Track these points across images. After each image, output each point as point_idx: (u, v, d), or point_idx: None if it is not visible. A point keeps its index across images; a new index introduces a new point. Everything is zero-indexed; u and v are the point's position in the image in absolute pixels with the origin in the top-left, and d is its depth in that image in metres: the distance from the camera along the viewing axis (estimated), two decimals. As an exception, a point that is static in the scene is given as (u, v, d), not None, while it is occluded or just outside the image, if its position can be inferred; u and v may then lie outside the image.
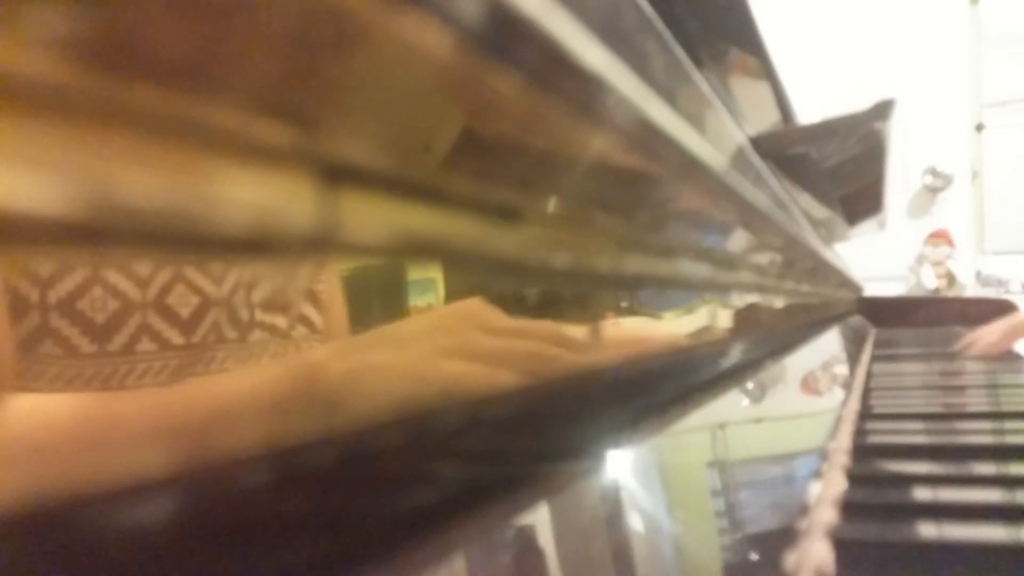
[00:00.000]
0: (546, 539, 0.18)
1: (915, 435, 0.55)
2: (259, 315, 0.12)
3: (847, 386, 0.74)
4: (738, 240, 0.46)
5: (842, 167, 0.92)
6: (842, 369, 0.91)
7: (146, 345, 0.10)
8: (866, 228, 1.49)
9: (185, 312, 0.10)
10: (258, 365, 0.12)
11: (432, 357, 0.15)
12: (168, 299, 0.10)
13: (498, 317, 0.18)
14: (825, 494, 0.36)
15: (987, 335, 1.15)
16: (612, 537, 0.22)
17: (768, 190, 0.50)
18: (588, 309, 0.24)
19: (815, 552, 0.29)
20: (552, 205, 0.20)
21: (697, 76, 0.34)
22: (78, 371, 0.09)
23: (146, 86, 0.09)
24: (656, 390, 0.32)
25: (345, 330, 0.14)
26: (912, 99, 2.90)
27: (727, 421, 0.39)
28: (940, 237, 3.13)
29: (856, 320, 1.63)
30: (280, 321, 0.12)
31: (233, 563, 0.11)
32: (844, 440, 0.47)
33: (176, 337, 0.10)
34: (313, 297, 0.13)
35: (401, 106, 0.13)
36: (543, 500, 0.19)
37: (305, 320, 0.12)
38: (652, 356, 0.31)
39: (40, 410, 0.09)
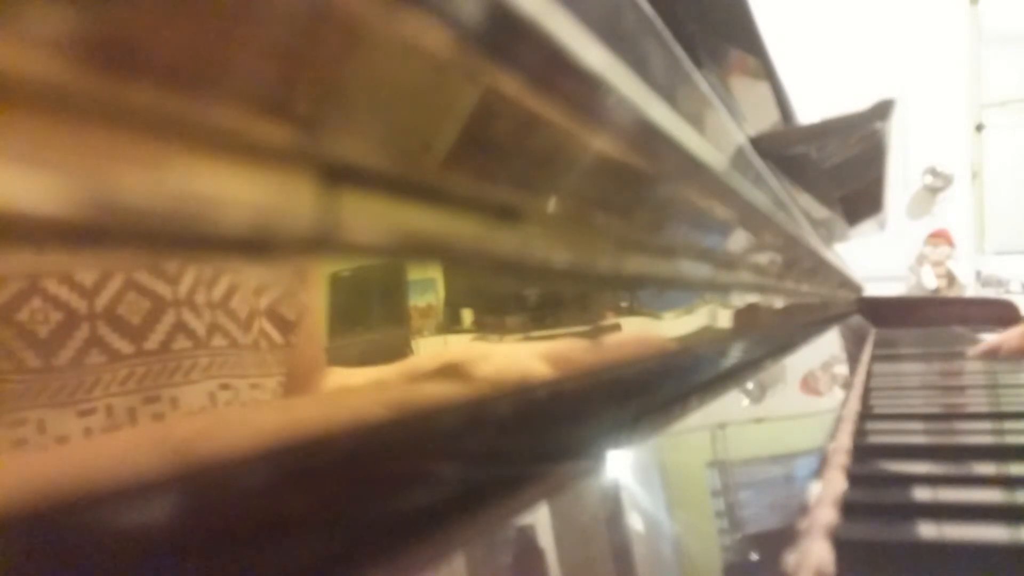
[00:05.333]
0: (546, 539, 0.18)
1: (915, 435, 0.55)
2: (219, 320, 0.11)
3: (847, 386, 0.74)
4: (738, 240, 0.46)
5: (842, 167, 0.92)
6: (842, 369, 0.91)
7: (96, 357, 0.09)
8: (866, 228, 1.49)
9: (136, 320, 0.10)
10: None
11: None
12: (118, 308, 0.10)
13: None
14: (825, 494, 0.36)
15: (1009, 340, 1.13)
16: (612, 537, 0.22)
17: (768, 190, 0.50)
18: (588, 309, 0.24)
19: (815, 552, 0.29)
20: (552, 205, 0.20)
21: (697, 76, 0.34)
22: (26, 386, 0.09)
23: (146, 86, 0.09)
24: (656, 390, 0.32)
25: (316, 352, 0.13)
26: (912, 99, 2.90)
27: (727, 421, 0.39)
28: (940, 237, 3.13)
29: (856, 320, 1.63)
30: (239, 332, 0.11)
31: (233, 563, 0.11)
32: (844, 440, 0.47)
33: (127, 347, 0.10)
34: (276, 314, 0.12)
35: (401, 106, 0.13)
36: (543, 500, 0.19)
37: (266, 336, 0.12)
38: (652, 356, 0.31)
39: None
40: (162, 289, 0.10)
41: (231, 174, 0.10)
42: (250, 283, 0.12)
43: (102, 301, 0.09)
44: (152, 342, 0.10)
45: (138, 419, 0.10)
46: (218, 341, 0.11)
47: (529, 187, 0.19)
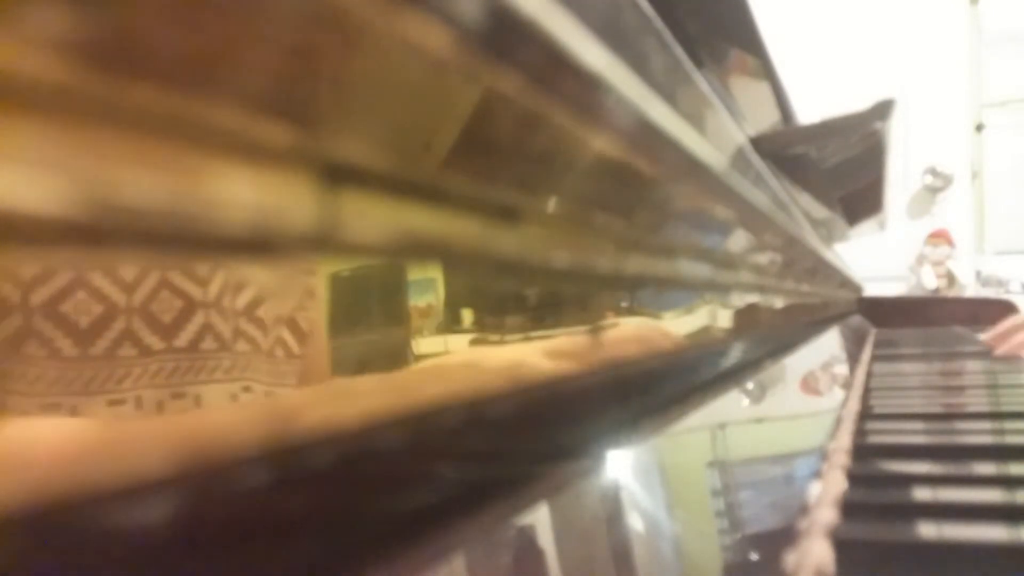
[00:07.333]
0: (546, 539, 0.18)
1: (915, 435, 0.55)
2: (243, 325, 0.11)
3: (847, 386, 0.74)
4: (738, 240, 0.46)
5: (842, 167, 0.92)
6: (842, 369, 0.91)
7: (128, 350, 0.10)
8: (866, 228, 1.49)
9: (168, 318, 0.10)
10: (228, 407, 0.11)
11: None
12: (152, 305, 0.10)
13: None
14: (825, 494, 0.36)
15: (1018, 337, 1.11)
16: (612, 537, 0.22)
17: (768, 190, 0.50)
18: (588, 309, 0.24)
19: (815, 552, 0.29)
20: (552, 205, 0.20)
21: (697, 76, 0.34)
22: (59, 373, 0.09)
23: (146, 86, 0.09)
24: (656, 390, 0.32)
25: (323, 362, 0.13)
26: (912, 99, 2.90)
27: (727, 421, 0.39)
28: (940, 237, 3.13)
29: (856, 320, 1.63)
30: (261, 338, 0.12)
31: (233, 563, 0.11)
32: (844, 440, 0.47)
33: (158, 343, 0.10)
34: (292, 324, 0.12)
35: (401, 106, 0.13)
36: (543, 500, 0.19)
37: (283, 343, 0.12)
38: (652, 356, 0.31)
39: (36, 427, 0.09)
40: (193, 290, 0.11)
41: (231, 174, 0.10)
42: (273, 289, 0.12)
43: (138, 297, 0.10)
44: (182, 340, 0.11)
45: (164, 413, 0.10)
46: (241, 345, 0.11)
47: (529, 187, 0.19)
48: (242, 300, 0.11)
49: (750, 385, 0.48)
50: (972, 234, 3.19)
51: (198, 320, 0.11)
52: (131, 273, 0.10)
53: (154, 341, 0.10)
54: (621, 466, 0.24)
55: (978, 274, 3.14)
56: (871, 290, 1.95)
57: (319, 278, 0.13)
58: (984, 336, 1.19)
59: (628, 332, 0.28)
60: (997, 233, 3.17)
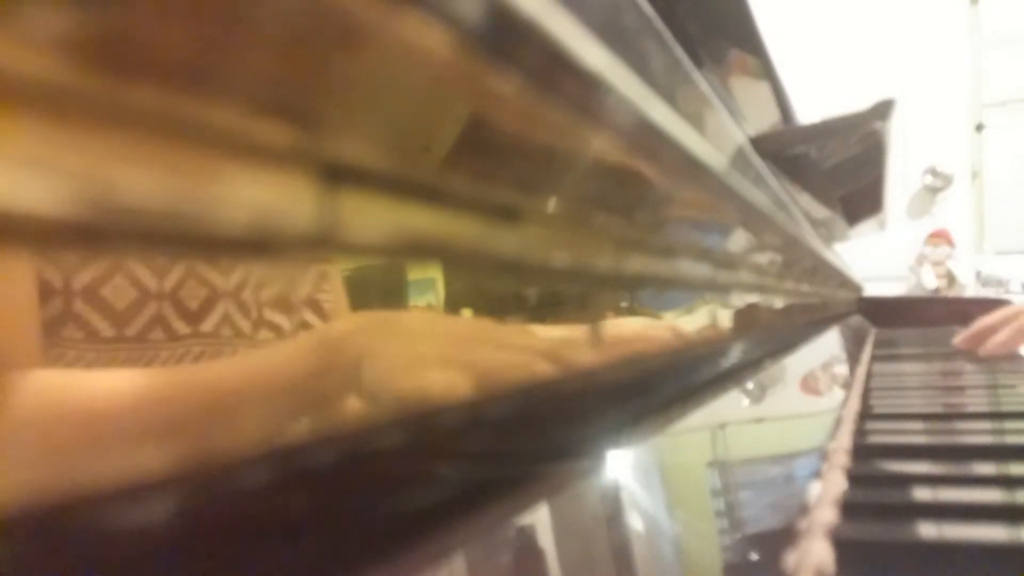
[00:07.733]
0: (546, 539, 0.18)
1: (915, 435, 0.55)
2: (266, 313, 0.12)
3: (847, 386, 0.74)
4: (738, 240, 0.46)
5: (842, 167, 0.92)
6: (842, 369, 0.91)
7: (159, 334, 0.10)
8: (866, 228, 1.49)
9: (194, 305, 0.11)
10: (274, 345, 0.12)
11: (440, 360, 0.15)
12: (181, 292, 0.10)
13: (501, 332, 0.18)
14: (825, 494, 0.36)
15: (995, 336, 1.10)
16: (612, 537, 0.22)
17: (768, 190, 0.50)
18: (588, 309, 0.24)
19: (815, 552, 0.29)
20: (552, 205, 0.20)
21: (697, 76, 0.34)
22: (96, 355, 0.09)
23: (146, 86, 0.09)
24: (656, 390, 0.32)
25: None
26: (912, 99, 2.90)
27: (727, 421, 0.39)
28: (940, 237, 3.13)
29: (856, 320, 1.63)
30: (284, 323, 0.12)
31: (233, 563, 0.11)
32: (844, 440, 0.47)
33: (184, 328, 0.11)
34: (316, 305, 0.13)
35: (401, 106, 0.13)
36: (543, 500, 0.19)
37: (307, 327, 0.13)
38: (652, 356, 0.31)
39: (51, 390, 0.09)
40: (216, 279, 0.11)
41: (231, 174, 0.10)
42: (287, 277, 0.12)
43: (168, 284, 0.10)
44: (207, 326, 0.11)
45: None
46: (263, 332, 0.12)
47: (529, 187, 0.19)
48: (261, 288, 0.12)
49: (750, 385, 0.48)
50: (972, 234, 3.19)
51: (221, 308, 0.11)
52: (161, 262, 0.10)
53: (181, 326, 0.11)
54: (621, 466, 0.24)
55: (978, 274, 3.13)
56: (871, 290, 1.95)
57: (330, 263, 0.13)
58: (956, 339, 1.18)
59: (628, 332, 0.28)
60: (997, 233, 3.17)
